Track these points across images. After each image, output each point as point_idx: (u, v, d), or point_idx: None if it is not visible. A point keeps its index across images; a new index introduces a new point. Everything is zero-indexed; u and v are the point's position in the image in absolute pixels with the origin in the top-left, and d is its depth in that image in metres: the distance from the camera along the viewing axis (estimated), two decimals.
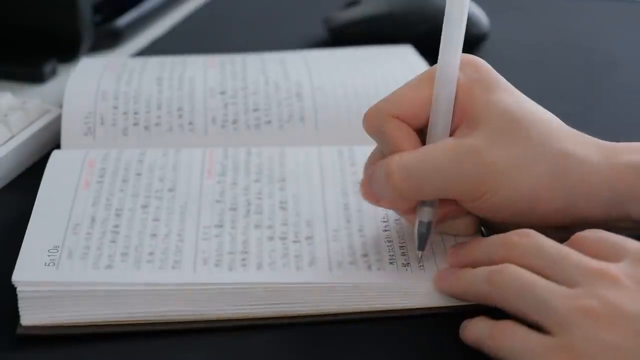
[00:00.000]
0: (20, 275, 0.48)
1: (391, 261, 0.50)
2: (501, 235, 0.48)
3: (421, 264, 0.50)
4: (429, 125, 0.50)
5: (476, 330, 0.45)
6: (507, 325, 0.43)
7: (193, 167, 0.58)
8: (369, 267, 0.50)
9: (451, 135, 0.50)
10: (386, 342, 0.47)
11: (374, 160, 0.52)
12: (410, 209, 0.51)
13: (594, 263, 0.43)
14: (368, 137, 0.58)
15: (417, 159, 0.49)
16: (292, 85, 0.66)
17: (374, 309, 0.48)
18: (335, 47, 0.76)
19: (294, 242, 0.52)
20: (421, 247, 0.50)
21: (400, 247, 0.52)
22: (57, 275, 0.48)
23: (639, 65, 0.78)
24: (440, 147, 0.49)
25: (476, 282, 0.46)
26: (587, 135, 0.50)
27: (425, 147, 0.50)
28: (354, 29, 0.81)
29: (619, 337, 0.40)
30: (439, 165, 0.48)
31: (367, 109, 0.52)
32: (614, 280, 0.42)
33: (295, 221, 0.54)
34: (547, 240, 0.46)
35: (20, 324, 0.47)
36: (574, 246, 0.45)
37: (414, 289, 0.49)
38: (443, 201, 0.50)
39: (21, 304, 0.47)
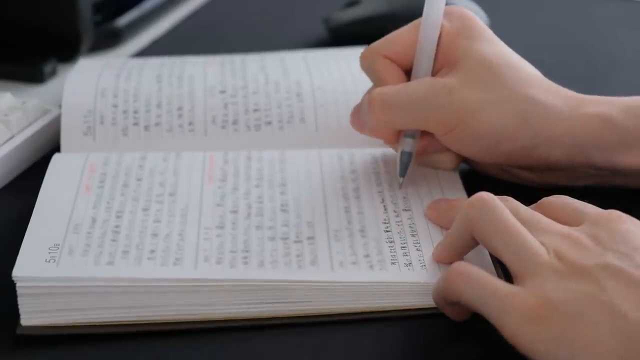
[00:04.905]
0: (21, 271, 0.48)
1: (393, 262, 0.50)
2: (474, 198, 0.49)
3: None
4: (413, 65, 0.56)
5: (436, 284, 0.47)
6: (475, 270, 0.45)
7: (193, 171, 0.58)
8: (371, 267, 0.50)
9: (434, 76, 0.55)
10: (387, 341, 0.47)
11: None
12: (394, 139, 0.56)
13: (560, 227, 0.46)
14: (368, 139, 0.58)
15: (396, 90, 0.55)
16: (292, 84, 0.66)
17: (375, 309, 0.48)
18: (336, 47, 0.75)
19: (296, 242, 0.52)
20: (402, 173, 0.56)
21: (402, 247, 0.51)
22: (57, 271, 0.48)
23: (639, 65, 0.78)
24: (418, 82, 0.55)
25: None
26: (558, 86, 0.55)
27: (405, 83, 0.56)
28: (354, 29, 0.81)
29: (584, 286, 0.42)
30: (414, 97, 0.54)
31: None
32: (576, 241, 0.44)
33: (297, 222, 0.54)
34: (522, 206, 0.48)
35: (20, 324, 0.47)
36: (541, 207, 0.49)
37: (416, 289, 0.49)
38: (423, 134, 0.56)
39: (21, 302, 0.47)
